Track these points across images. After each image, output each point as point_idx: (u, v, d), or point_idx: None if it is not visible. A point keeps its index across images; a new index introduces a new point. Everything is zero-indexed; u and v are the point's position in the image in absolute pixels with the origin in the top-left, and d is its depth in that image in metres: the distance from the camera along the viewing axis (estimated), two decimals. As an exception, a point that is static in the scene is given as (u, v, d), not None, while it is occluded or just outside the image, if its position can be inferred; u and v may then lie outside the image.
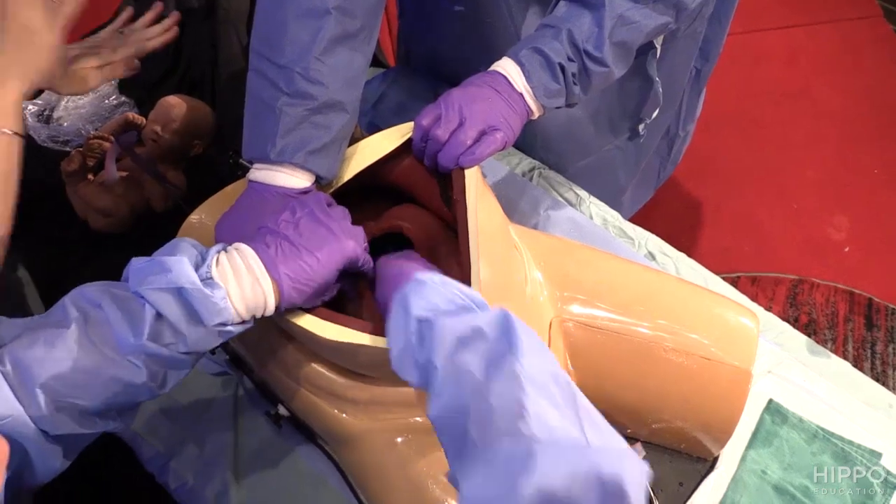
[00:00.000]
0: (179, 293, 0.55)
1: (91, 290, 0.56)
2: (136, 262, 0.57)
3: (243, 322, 0.60)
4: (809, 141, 2.06)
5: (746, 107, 2.13)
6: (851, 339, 1.65)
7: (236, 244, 0.61)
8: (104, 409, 0.56)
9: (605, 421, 0.46)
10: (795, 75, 2.22)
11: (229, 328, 0.58)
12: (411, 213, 0.82)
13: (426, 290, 0.56)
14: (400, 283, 0.59)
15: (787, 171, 2.00)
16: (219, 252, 0.59)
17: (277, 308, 0.61)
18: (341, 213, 0.66)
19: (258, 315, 0.61)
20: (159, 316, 0.55)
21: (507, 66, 0.76)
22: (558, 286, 0.82)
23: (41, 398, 0.52)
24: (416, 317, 0.54)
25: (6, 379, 0.51)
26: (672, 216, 1.89)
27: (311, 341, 0.69)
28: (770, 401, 0.91)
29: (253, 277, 0.59)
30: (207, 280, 0.56)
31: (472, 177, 0.71)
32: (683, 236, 1.85)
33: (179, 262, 0.56)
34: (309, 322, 0.64)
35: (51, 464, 0.54)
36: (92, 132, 1.02)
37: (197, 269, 0.56)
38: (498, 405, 0.45)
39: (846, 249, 1.84)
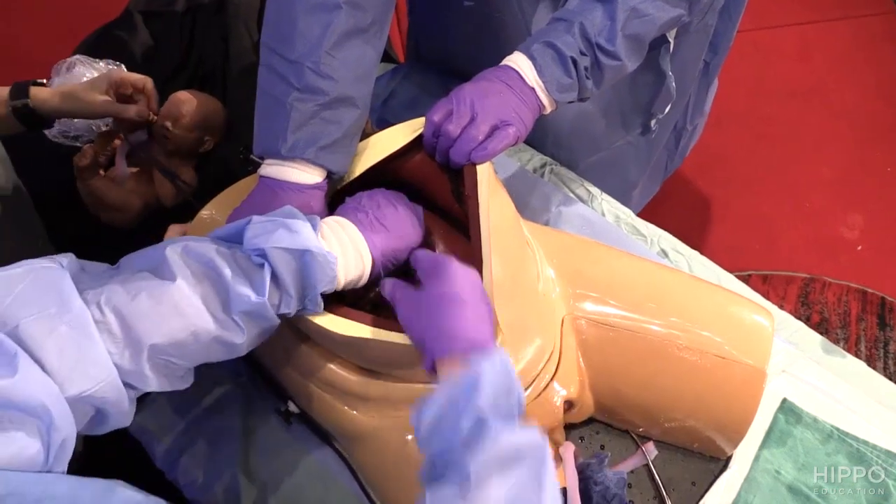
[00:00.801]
0: (302, 256, 0.55)
1: (197, 246, 0.54)
2: (259, 220, 0.57)
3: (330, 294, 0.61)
4: (822, 138, 2.04)
5: (758, 104, 2.12)
6: (864, 338, 1.63)
7: (335, 217, 0.63)
8: (190, 367, 0.54)
9: None
10: (807, 72, 2.20)
11: (320, 299, 0.59)
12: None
13: (488, 382, 0.48)
14: (446, 310, 0.54)
15: (799, 169, 1.98)
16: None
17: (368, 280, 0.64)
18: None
19: (349, 287, 0.62)
20: (273, 276, 0.55)
21: (518, 61, 0.75)
22: (570, 283, 0.82)
23: (145, 355, 0.49)
24: (479, 417, 0.47)
25: (105, 332, 0.48)
26: (682, 214, 1.87)
27: (324, 337, 0.69)
28: (784, 400, 0.90)
29: (356, 251, 0.61)
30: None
31: (483, 172, 0.70)
32: (694, 234, 1.84)
33: (306, 226, 0.57)
34: (321, 318, 0.63)
35: (125, 419, 0.52)
36: (103, 127, 1.02)
37: None
38: None
39: (859, 248, 1.82)
